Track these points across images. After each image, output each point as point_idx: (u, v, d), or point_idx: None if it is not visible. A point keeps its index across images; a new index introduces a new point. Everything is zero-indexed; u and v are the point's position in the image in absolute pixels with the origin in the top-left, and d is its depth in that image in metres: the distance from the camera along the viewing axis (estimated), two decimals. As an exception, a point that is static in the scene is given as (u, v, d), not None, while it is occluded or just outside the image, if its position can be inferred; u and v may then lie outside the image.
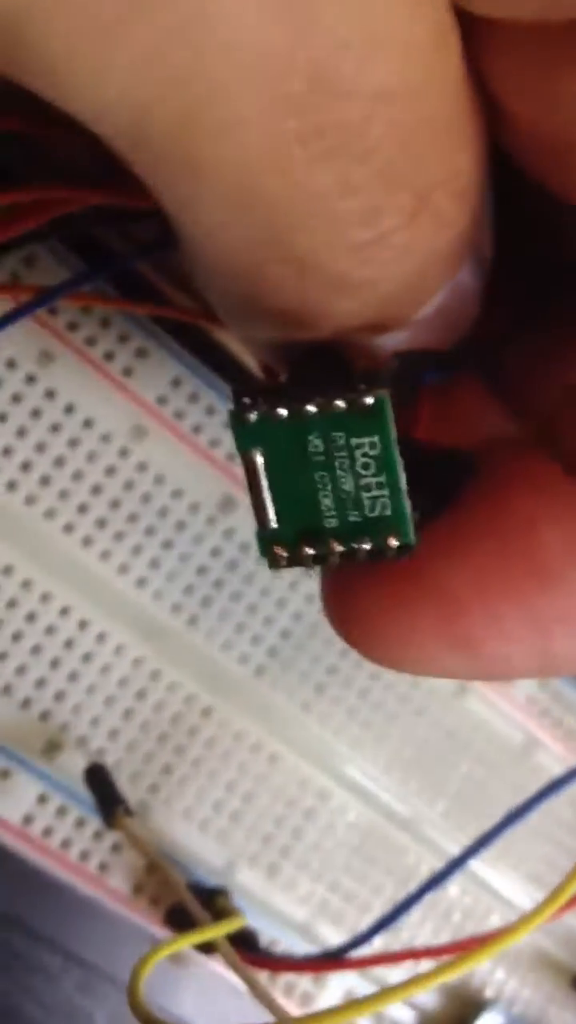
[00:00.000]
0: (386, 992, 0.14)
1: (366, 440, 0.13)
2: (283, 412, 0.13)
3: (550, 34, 0.11)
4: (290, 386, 0.13)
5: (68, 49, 0.09)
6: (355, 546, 0.13)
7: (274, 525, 0.13)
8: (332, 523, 0.13)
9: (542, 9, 0.10)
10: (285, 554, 0.13)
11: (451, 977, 0.16)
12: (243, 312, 0.14)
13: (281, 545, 0.13)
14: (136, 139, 0.11)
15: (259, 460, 0.13)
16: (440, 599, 0.14)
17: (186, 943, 0.19)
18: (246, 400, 0.13)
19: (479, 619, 0.14)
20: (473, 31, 0.11)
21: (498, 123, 0.13)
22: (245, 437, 0.13)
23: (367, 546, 0.13)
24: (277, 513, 0.13)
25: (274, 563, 0.14)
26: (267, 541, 0.14)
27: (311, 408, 0.13)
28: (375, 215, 0.12)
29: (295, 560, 0.14)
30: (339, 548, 0.13)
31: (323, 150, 0.11)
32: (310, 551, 0.13)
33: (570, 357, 0.17)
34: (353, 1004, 0.14)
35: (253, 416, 0.13)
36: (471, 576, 0.14)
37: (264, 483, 0.13)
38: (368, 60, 0.10)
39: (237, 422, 0.13)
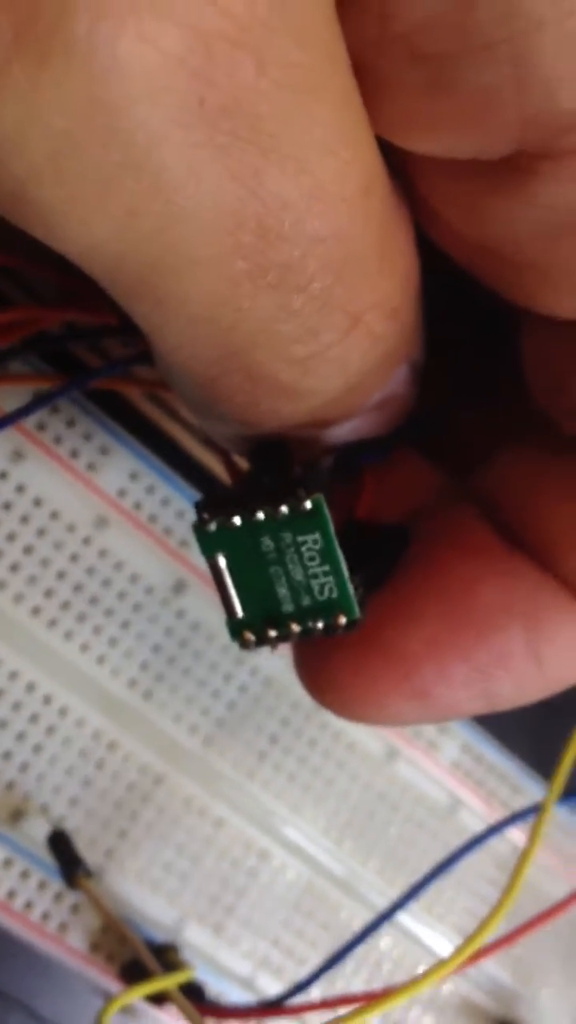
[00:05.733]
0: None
1: (309, 537, 0.15)
2: (237, 521, 0.15)
3: (480, 166, 0.13)
4: (241, 495, 0.16)
5: (60, 209, 0.11)
6: (311, 625, 0.16)
7: (240, 615, 0.16)
8: (289, 608, 0.16)
9: (476, 151, 0.13)
10: (253, 637, 0.16)
11: (370, 1017, 0.18)
12: (205, 411, 0.16)
13: (249, 630, 0.16)
14: (113, 277, 0.13)
15: (222, 562, 0.16)
16: (395, 659, 0.17)
17: (143, 992, 0.20)
18: (205, 514, 0.15)
19: (430, 673, 0.17)
20: (413, 157, 0.13)
21: (434, 228, 0.15)
22: (207, 544, 0.15)
23: (320, 624, 0.16)
24: (242, 604, 0.16)
25: (244, 645, 0.16)
26: (236, 628, 0.16)
27: (260, 515, 0.15)
28: (313, 334, 0.14)
29: (261, 641, 0.16)
30: (297, 628, 0.16)
31: (267, 284, 0.13)
32: (273, 633, 0.16)
33: (500, 426, 0.19)
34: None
35: (212, 526, 0.15)
36: (420, 636, 0.17)
37: (228, 581, 0.16)
38: (305, 213, 0.12)
39: (200, 532, 0.15)
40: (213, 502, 0.16)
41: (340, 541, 0.16)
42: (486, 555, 0.18)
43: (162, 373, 0.16)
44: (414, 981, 0.19)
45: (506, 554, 0.18)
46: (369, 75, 0.12)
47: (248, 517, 0.15)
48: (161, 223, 0.12)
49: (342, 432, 0.17)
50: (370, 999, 0.21)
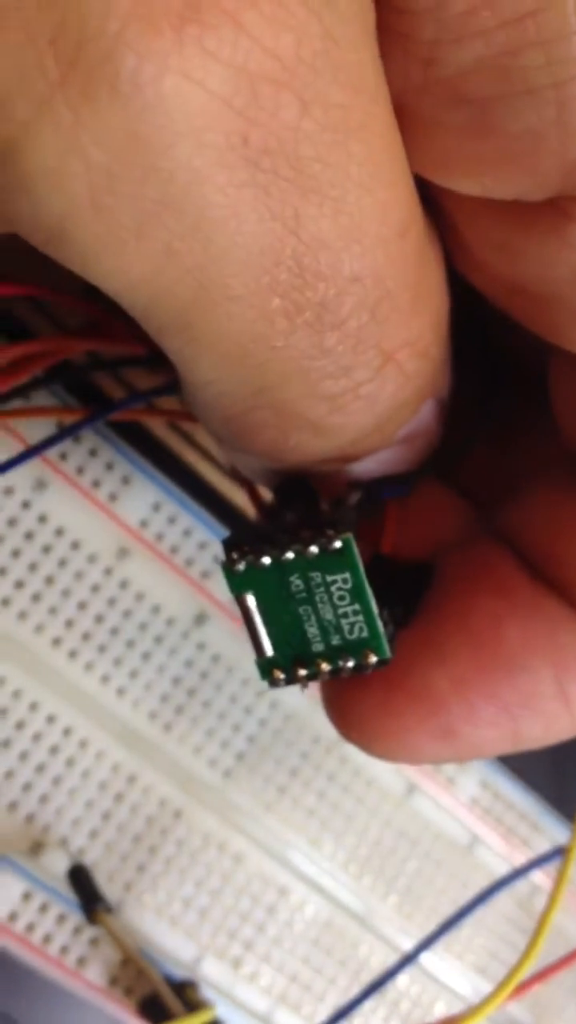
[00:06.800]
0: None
1: (339, 576, 0.15)
2: (266, 561, 0.15)
3: (519, 207, 0.13)
4: (270, 532, 0.16)
5: (98, 247, 0.11)
6: (340, 664, 0.16)
7: (270, 654, 0.16)
8: (319, 647, 0.16)
9: (516, 194, 0.13)
10: (282, 676, 0.16)
11: None
12: (232, 444, 0.16)
13: (278, 669, 0.16)
14: (148, 314, 0.13)
15: (251, 601, 0.15)
16: (421, 698, 0.17)
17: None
18: (234, 553, 0.15)
19: (456, 712, 0.17)
20: (450, 195, 0.14)
21: (466, 264, 0.15)
22: (237, 583, 0.15)
23: (350, 663, 0.16)
24: (271, 643, 0.16)
25: (273, 684, 0.16)
26: (266, 667, 0.16)
27: (289, 555, 0.15)
28: (345, 372, 0.14)
29: (291, 680, 0.16)
30: (327, 667, 0.16)
31: (303, 321, 0.13)
32: (303, 672, 0.16)
33: (527, 460, 0.19)
34: None
35: (241, 566, 0.15)
36: (447, 674, 0.17)
37: (257, 619, 0.16)
38: (343, 253, 0.12)
39: (229, 572, 0.15)
40: (241, 540, 0.15)
41: (367, 577, 0.15)
42: (512, 593, 0.18)
43: (189, 406, 0.16)
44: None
45: (532, 592, 0.18)
46: (411, 116, 0.12)
47: (277, 556, 0.15)
48: (199, 261, 0.12)
49: (368, 466, 0.17)
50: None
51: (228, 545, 0.16)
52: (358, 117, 0.12)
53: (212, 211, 0.11)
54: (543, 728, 0.18)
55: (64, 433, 0.20)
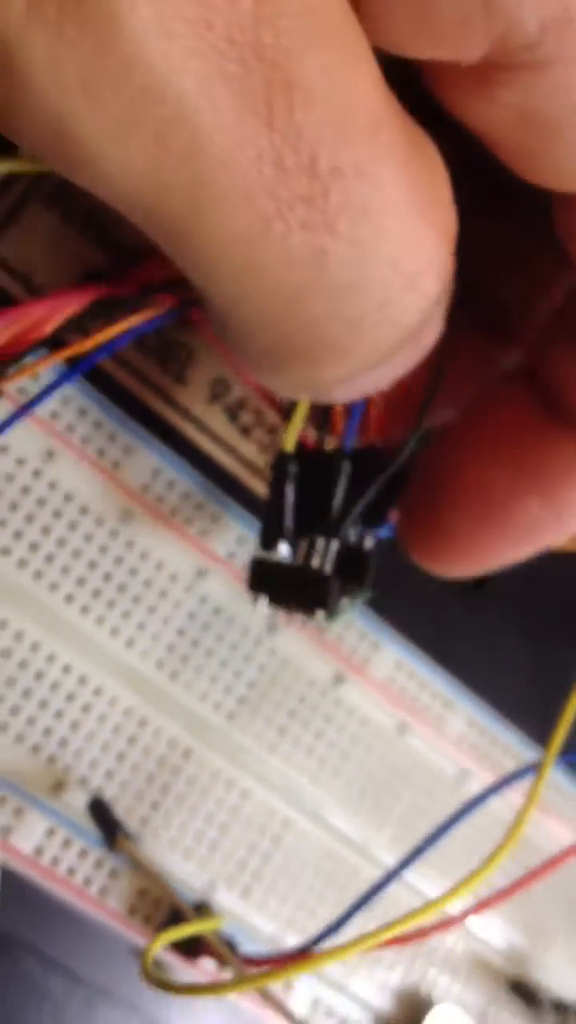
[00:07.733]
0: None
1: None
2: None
3: (453, 71, 0.14)
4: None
5: (98, 138, 0.12)
6: None
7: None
8: None
9: (450, 59, 0.13)
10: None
11: (369, 947, 0.20)
12: (268, 374, 0.17)
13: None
14: (155, 217, 0.13)
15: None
16: (442, 553, 0.22)
17: (184, 933, 0.22)
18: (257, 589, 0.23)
19: (473, 557, 0.22)
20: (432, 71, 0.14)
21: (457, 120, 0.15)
22: None
23: None
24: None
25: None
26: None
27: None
28: (361, 291, 0.14)
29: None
30: None
31: (296, 222, 0.13)
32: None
33: (535, 288, 0.20)
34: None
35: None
36: (454, 542, 0.21)
37: None
38: (319, 145, 0.12)
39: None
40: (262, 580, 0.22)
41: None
42: (511, 448, 0.20)
43: (222, 337, 0.17)
44: (408, 915, 0.21)
45: (537, 430, 0.20)
46: (360, 13, 0.13)
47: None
48: (188, 151, 0.12)
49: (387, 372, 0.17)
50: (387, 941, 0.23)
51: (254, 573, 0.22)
52: (315, 1, 0.12)
53: (189, 100, 0.12)
54: (552, 540, 0.21)
55: (65, 376, 0.22)
